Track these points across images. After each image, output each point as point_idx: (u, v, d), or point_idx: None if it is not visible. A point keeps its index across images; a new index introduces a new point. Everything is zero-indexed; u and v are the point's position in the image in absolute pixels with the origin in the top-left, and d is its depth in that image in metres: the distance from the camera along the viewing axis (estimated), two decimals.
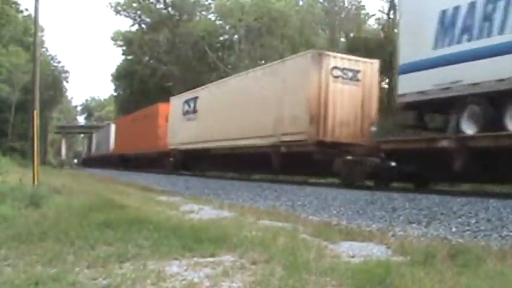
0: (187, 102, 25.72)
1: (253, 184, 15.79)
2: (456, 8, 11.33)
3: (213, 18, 50.85)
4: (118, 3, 52.57)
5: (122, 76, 60.51)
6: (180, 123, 26.23)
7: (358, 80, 15.65)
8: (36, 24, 15.21)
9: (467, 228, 7.50)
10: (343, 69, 15.51)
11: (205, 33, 46.33)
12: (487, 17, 10.54)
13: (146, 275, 4.31)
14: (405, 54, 12.85)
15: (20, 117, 45.28)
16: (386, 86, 27.19)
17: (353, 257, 5.52)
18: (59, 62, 73.83)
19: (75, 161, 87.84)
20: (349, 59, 16.11)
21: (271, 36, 42.42)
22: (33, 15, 18.99)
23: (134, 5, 52.66)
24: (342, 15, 44.06)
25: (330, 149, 14.78)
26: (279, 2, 42.34)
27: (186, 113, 25.64)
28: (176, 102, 27.70)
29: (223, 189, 15.47)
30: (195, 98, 24.80)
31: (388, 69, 23.07)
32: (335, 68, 15.37)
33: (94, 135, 58.59)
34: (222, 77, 27.88)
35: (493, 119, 10.41)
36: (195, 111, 24.60)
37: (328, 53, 16.36)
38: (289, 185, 14.44)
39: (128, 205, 9.83)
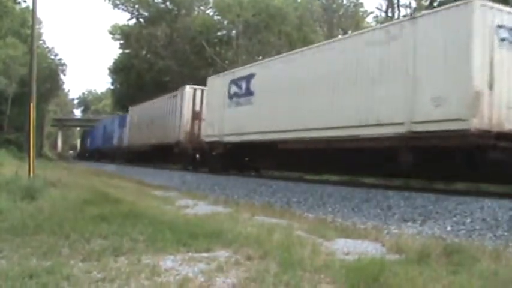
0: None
1: (249, 180, 15.79)
2: None
3: (211, 14, 50.76)
4: None
5: (119, 70, 60.26)
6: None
7: None
8: (33, 17, 15.13)
9: (462, 227, 7.53)
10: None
11: (203, 28, 46.18)
12: None
13: (141, 269, 4.32)
14: None
15: (17, 110, 45.06)
16: None
17: (347, 254, 5.54)
18: (56, 55, 73.61)
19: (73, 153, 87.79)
20: None
21: (269, 33, 42.37)
22: (30, 7, 18.93)
23: None
24: (340, 13, 44.11)
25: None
26: None
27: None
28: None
29: (219, 184, 15.47)
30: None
31: None
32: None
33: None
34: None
35: None
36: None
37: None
38: (284, 182, 14.44)
39: (123, 199, 9.83)
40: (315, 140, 14.01)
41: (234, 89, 18.93)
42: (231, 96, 19.02)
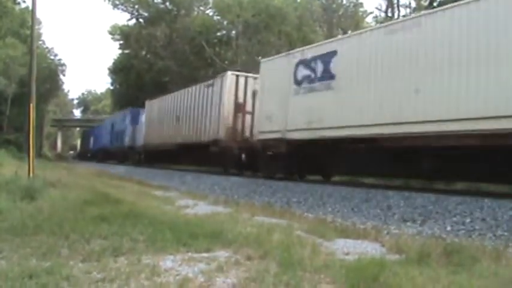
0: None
1: (249, 180, 15.77)
2: None
3: (210, 14, 50.78)
4: None
5: (118, 70, 60.32)
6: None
7: None
8: (33, 17, 15.13)
9: (462, 227, 7.53)
10: None
11: (203, 28, 46.20)
12: None
13: (141, 269, 4.31)
14: None
15: (16, 110, 45.09)
16: None
17: (347, 254, 5.54)
18: (56, 55, 73.79)
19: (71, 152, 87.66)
20: None
21: (268, 33, 42.40)
22: (30, 7, 18.93)
23: None
24: (340, 13, 44.14)
25: None
26: None
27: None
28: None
29: (219, 184, 15.47)
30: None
31: None
32: None
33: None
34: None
35: None
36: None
37: None
38: (284, 182, 14.43)
39: (123, 199, 9.82)
40: (447, 135, 10.74)
41: (303, 72, 14.98)
42: (299, 82, 15.15)
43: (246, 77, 20.00)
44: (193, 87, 24.47)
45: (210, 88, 21.70)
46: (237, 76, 20.09)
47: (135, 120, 36.55)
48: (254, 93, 19.16)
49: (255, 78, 19.31)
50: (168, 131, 27.10)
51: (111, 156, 44.47)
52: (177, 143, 25.20)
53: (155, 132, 29.76)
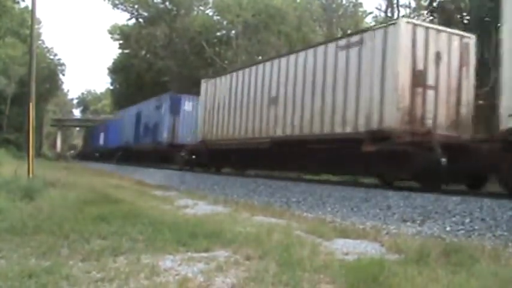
0: None
1: (248, 180, 15.75)
2: None
3: (210, 14, 50.76)
4: None
5: (118, 70, 60.32)
6: None
7: None
8: (33, 16, 15.13)
9: (462, 227, 7.53)
10: None
11: (203, 28, 46.20)
12: None
13: (140, 269, 4.32)
14: None
15: (16, 110, 45.18)
16: None
17: (347, 254, 5.54)
18: (56, 55, 73.97)
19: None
20: None
21: (268, 33, 42.38)
22: (30, 7, 18.92)
23: None
24: (340, 13, 44.10)
25: None
26: None
27: None
28: None
29: (218, 184, 15.45)
30: None
31: None
32: None
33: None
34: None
35: None
36: None
37: None
38: (283, 181, 14.42)
39: (123, 199, 9.83)
40: None
41: None
42: None
43: (427, 29, 12.28)
44: (307, 51, 15.60)
45: (354, 49, 13.16)
46: (414, 26, 12.13)
47: (175, 110, 28.71)
48: (438, 56, 12.14)
49: (438, 31, 12.45)
50: (253, 120, 18.12)
51: (134, 156, 35.81)
52: (275, 137, 16.49)
53: (224, 122, 20.54)
